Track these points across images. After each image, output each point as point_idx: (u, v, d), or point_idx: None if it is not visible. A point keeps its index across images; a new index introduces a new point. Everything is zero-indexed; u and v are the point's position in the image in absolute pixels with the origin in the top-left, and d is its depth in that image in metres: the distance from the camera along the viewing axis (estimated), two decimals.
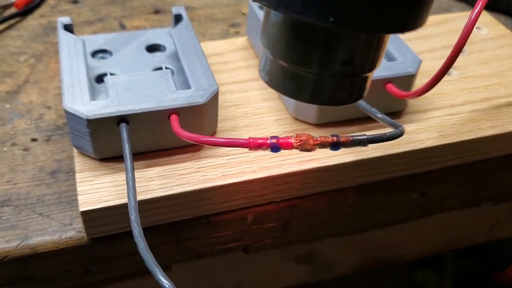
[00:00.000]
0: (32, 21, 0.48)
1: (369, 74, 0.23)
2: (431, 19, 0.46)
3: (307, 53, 0.21)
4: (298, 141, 0.27)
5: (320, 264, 0.48)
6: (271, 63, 0.23)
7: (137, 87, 0.31)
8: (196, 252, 0.34)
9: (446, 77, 0.39)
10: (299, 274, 0.48)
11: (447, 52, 0.29)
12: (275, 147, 0.27)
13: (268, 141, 0.26)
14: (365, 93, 0.24)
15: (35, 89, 0.40)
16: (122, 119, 0.29)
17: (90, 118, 0.28)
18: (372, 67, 0.23)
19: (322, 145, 0.27)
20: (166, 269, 0.35)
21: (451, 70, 0.40)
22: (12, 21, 0.47)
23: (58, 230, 0.30)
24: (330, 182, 0.33)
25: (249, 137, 0.27)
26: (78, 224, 0.31)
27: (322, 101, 0.23)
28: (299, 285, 0.51)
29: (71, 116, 0.29)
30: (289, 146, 0.27)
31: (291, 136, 0.27)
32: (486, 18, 0.47)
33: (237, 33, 0.47)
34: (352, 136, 0.27)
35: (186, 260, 0.35)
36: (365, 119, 0.34)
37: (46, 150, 0.35)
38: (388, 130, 0.29)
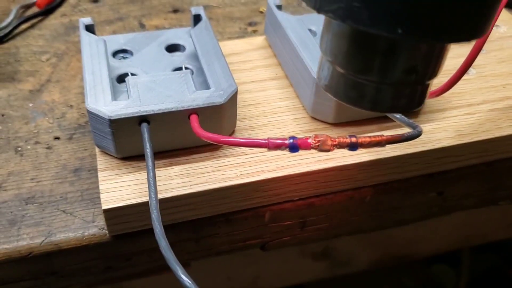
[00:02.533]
0: (54, 20, 0.48)
1: (430, 82, 0.24)
2: None
3: (371, 63, 0.22)
4: (316, 141, 0.27)
5: (337, 260, 0.48)
6: (332, 71, 0.24)
7: (157, 88, 0.31)
8: (215, 249, 0.35)
9: (464, 76, 0.39)
10: (315, 270, 0.48)
11: (465, 51, 0.29)
12: (294, 148, 0.27)
13: (287, 142, 0.27)
14: (426, 99, 0.24)
15: (57, 88, 0.41)
16: (144, 119, 0.30)
17: (112, 118, 0.29)
18: (434, 74, 0.23)
19: (340, 145, 0.27)
20: (185, 265, 0.36)
21: (469, 69, 0.40)
22: (34, 21, 0.48)
23: (81, 227, 0.31)
24: (347, 181, 0.33)
25: (268, 138, 0.27)
26: (101, 222, 0.31)
27: (383, 109, 0.23)
28: (315, 281, 0.52)
29: (93, 116, 0.30)
30: (307, 147, 0.27)
31: (310, 136, 0.27)
32: (505, 15, 0.47)
33: (255, 32, 0.47)
34: (370, 137, 0.27)
35: (205, 257, 0.36)
36: (383, 119, 0.35)
37: (69, 148, 0.36)
38: (406, 130, 0.29)
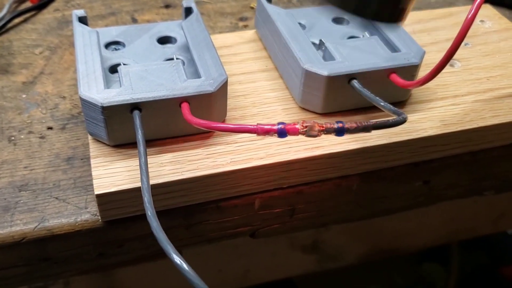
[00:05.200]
0: (47, 15, 0.49)
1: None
2: (436, 12, 0.47)
3: None
4: (304, 127, 0.28)
5: (326, 253, 0.49)
6: None
7: (149, 76, 0.32)
8: (206, 236, 0.36)
9: (449, 69, 0.40)
10: (305, 263, 0.49)
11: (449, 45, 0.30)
12: (282, 133, 0.28)
13: (275, 127, 0.28)
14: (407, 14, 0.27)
15: (50, 80, 0.41)
16: (135, 106, 0.30)
17: (105, 105, 0.30)
18: None
19: (327, 131, 0.28)
20: None
21: (454, 62, 0.41)
22: (27, 15, 0.48)
23: (74, 213, 0.32)
24: (335, 169, 0.34)
25: (257, 123, 0.28)
26: (93, 208, 0.32)
27: (366, 14, 0.28)
28: (305, 275, 0.52)
29: (86, 104, 0.30)
30: (295, 132, 0.28)
31: (298, 122, 0.28)
32: (490, 11, 0.48)
33: (245, 27, 0.48)
34: (356, 122, 0.28)
35: (196, 245, 0.36)
36: (370, 109, 0.35)
37: (62, 138, 0.36)
38: (392, 117, 0.30)
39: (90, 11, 0.50)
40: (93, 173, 0.31)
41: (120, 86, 0.31)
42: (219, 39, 0.42)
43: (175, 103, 0.31)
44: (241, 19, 0.49)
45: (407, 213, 0.42)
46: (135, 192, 0.30)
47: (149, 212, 0.26)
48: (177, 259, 0.23)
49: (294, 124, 0.28)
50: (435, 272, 0.86)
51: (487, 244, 0.87)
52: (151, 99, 0.30)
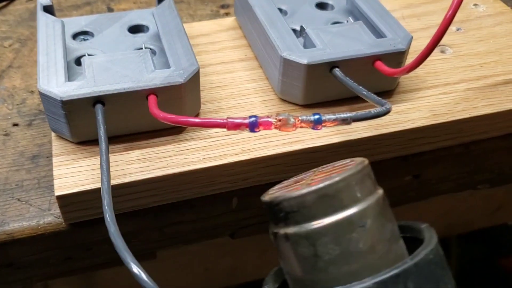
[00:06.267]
0: (19, 6, 0.47)
1: None
2: None
3: None
4: (277, 120, 0.26)
5: None
6: None
7: (114, 67, 0.30)
8: (182, 238, 0.33)
9: (440, 55, 0.38)
10: None
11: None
12: (254, 127, 0.26)
13: (246, 121, 0.25)
14: None
15: (19, 74, 0.39)
16: (98, 100, 0.28)
17: (64, 99, 0.28)
18: None
19: (303, 123, 0.26)
20: (150, 255, 0.35)
21: (446, 48, 0.39)
22: None
23: (36, 216, 0.30)
24: (317, 164, 0.32)
25: (227, 117, 0.26)
26: (57, 210, 0.30)
27: None
28: None
29: (46, 98, 0.28)
30: (268, 126, 0.26)
31: (271, 115, 0.26)
32: None
33: (227, 14, 0.46)
34: (335, 114, 0.26)
35: (172, 246, 0.34)
36: (355, 99, 0.33)
37: (27, 135, 0.34)
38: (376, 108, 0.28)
39: (64, 1, 0.47)
40: (55, 173, 0.29)
41: (83, 79, 0.29)
42: (196, 27, 0.40)
43: (141, 95, 0.29)
44: (223, 6, 0.47)
45: (398, 208, 0.40)
46: (99, 193, 0.28)
47: (107, 216, 0.23)
48: (136, 268, 0.21)
49: (267, 117, 0.26)
50: None
51: (485, 235, 0.86)
52: (114, 92, 0.28)
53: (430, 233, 0.23)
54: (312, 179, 0.23)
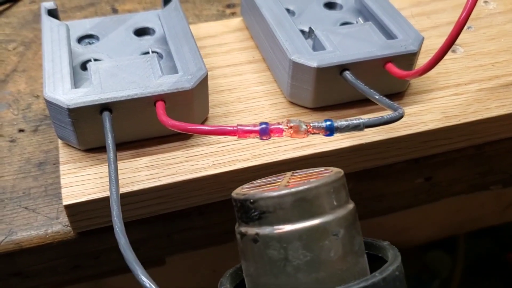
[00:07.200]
0: (23, 7, 0.46)
1: None
2: None
3: None
4: (289, 127, 0.25)
5: None
6: None
7: (121, 73, 0.29)
8: (191, 244, 0.33)
9: (451, 55, 0.37)
10: None
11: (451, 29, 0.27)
12: (265, 134, 0.25)
13: (257, 128, 0.25)
14: None
15: (23, 77, 0.38)
16: (105, 107, 0.27)
17: (70, 107, 0.27)
18: None
19: (315, 131, 0.25)
20: (159, 262, 0.34)
21: (456, 47, 0.38)
22: (1, 8, 0.45)
23: (44, 225, 0.29)
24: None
25: (237, 124, 0.25)
26: (65, 218, 0.29)
27: None
28: None
29: (52, 106, 0.28)
30: (279, 133, 0.25)
31: (282, 121, 0.25)
32: None
33: (233, 14, 0.45)
34: (347, 121, 0.26)
35: (181, 252, 0.34)
36: (365, 102, 0.33)
37: (33, 141, 0.34)
38: (388, 113, 0.27)
39: (68, 2, 0.47)
40: (62, 181, 0.28)
41: (90, 85, 0.29)
42: (202, 28, 0.39)
43: (148, 102, 0.28)
44: (229, 6, 0.46)
45: (409, 210, 0.40)
46: (108, 202, 0.27)
47: (117, 227, 0.23)
48: (146, 281, 0.21)
49: (278, 123, 0.25)
50: (441, 260, 0.84)
51: (493, 231, 0.85)
52: (122, 99, 0.27)
53: (394, 250, 0.23)
54: (288, 182, 0.23)
